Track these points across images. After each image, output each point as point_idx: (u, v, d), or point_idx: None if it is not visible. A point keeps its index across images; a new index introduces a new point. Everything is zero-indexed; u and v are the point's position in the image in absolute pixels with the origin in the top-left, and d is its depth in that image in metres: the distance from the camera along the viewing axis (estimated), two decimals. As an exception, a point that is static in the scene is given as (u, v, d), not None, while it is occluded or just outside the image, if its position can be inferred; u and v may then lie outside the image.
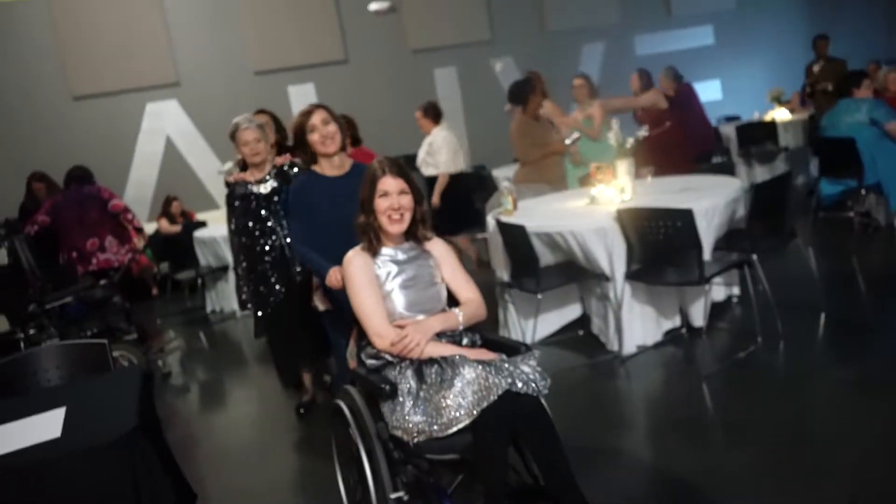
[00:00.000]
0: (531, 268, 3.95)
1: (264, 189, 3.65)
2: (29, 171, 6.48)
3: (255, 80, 8.93)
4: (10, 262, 4.82)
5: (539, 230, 4.10)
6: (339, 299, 2.85)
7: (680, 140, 6.18)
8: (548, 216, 4.38)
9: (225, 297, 6.72)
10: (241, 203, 3.67)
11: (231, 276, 6.46)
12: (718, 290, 4.44)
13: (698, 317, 4.06)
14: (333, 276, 2.82)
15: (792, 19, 11.76)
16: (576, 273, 4.12)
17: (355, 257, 2.46)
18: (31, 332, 4.73)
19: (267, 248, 3.66)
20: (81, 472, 1.86)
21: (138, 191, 8.67)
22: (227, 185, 3.98)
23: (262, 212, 3.65)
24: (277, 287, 3.68)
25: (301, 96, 9.05)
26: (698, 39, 11.28)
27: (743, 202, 4.31)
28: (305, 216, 3.04)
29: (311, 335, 3.68)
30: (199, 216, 8.33)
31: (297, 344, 3.79)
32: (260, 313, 3.81)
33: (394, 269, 2.44)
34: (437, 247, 2.58)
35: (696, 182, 4.79)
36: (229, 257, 6.38)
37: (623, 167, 4.44)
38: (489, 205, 5.61)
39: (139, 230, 5.65)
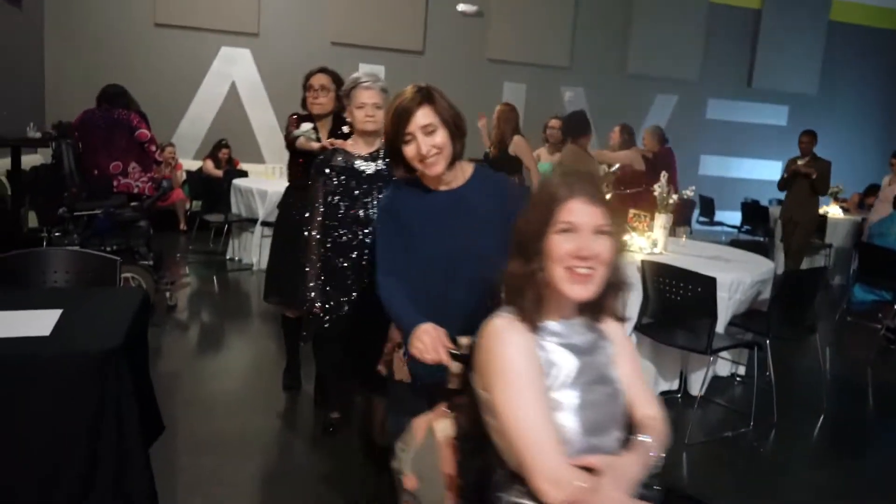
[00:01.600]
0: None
1: (369, 168, 2.88)
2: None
3: (330, 50, 9.04)
4: (53, 164, 4.94)
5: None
6: (423, 374, 1.95)
7: (650, 204, 5.95)
8: (574, 250, 4.36)
9: (246, 249, 6.81)
10: (336, 177, 2.85)
11: (258, 229, 6.55)
12: (724, 365, 4.39)
13: (697, 386, 4.01)
14: (429, 342, 1.75)
15: (867, 119, 11.59)
16: (587, 312, 4.09)
17: (512, 333, 1.48)
18: (56, 234, 4.86)
19: (355, 242, 2.84)
20: (57, 374, 1.91)
21: (192, 126, 8.82)
22: (296, 149, 3.49)
23: (363, 196, 2.85)
24: (353, 293, 2.83)
25: (370, 76, 9.13)
26: (771, 117, 11.16)
27: (770, 285, 4.26)
28: (392, 238, 2.06)
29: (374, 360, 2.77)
30: (243, 166, 8.46)
31: (356, 366, 2.90)
32: (325, 316, 2.88)
33: (568, 360, 1.50)
34: (614, 330, 1.62)
35: (730, 253, 4.74)
36: (260, 211, 6.48)
37: (661, 221, 4.41)
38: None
39: (158, 163, 5.68)
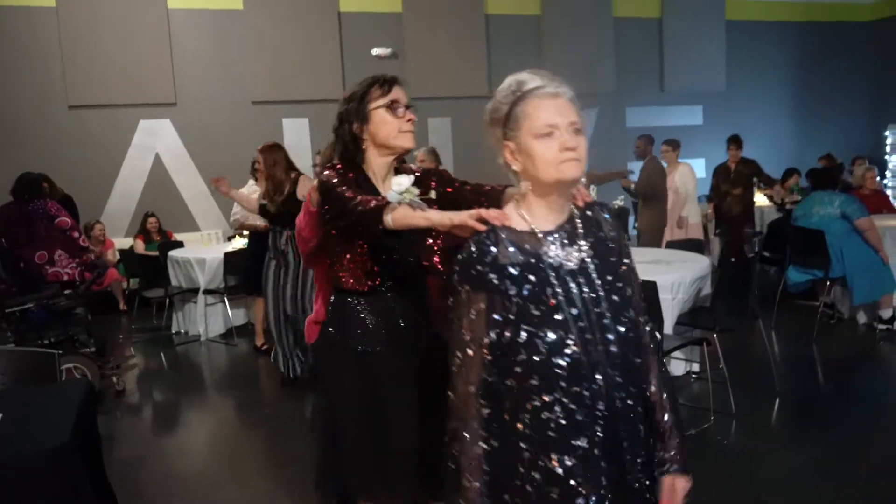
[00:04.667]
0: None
1: (570, 258, 1.45)
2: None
3: (252, 109, 9.02)
4: (-23, 262, 4.79)
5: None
6: None
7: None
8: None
9: (192, 320, 6.67)
10: (516, 288, 1.40)
11: (201, 299, 6.43)
12: (678, 365, 4.49)
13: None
14: None
15: (779, 106, 12.14)
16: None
17: None
18: (-12, 334, 4.70)
19: (600, 407, 1.38)
20: (7, 482, 1.84)
21: (120, 203, 8.65)
22: (369, 232, 1.85)
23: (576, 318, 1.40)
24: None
25: (295, 130, 9.15)
26: (687, 118, 11.58)
27: (709, 281, 4.40)
28: None
29: None
30: (177, 236, 8.32)
31: None
32: None
33: None
34: None
35: (668, 255, 4.88)
36: (201, 280, 6.38)
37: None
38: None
39: (84, 249, 5.55)
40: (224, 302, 6.43)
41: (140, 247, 7.87)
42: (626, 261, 1.53)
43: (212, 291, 6.42)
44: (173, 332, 6.84)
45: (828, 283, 5.52)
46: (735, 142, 7.67)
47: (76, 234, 5.39)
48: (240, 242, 6.57)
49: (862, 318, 5.67)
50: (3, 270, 4.69)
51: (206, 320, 6.46)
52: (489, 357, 1.40)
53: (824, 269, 5.37)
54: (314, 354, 2.36)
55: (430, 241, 2.00)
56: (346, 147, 2.07)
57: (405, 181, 1.93)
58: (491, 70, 10.33)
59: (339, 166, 2.04)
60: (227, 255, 6.19)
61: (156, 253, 7.30)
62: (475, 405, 1.40)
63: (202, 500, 3.39)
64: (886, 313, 5.46)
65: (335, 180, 1.96)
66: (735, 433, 3.80)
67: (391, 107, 2.03)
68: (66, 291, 4.87)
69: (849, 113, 12.40)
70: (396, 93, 2.06)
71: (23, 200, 5.29)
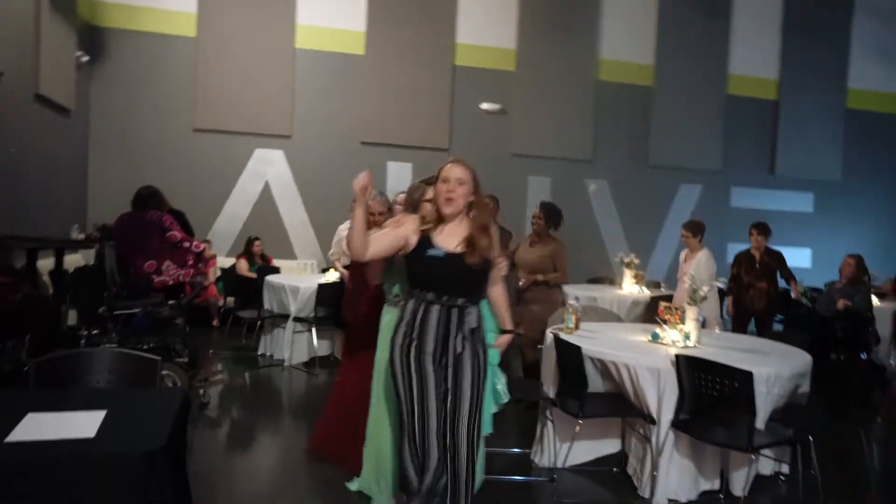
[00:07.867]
0: (578, 390, 3.90)
1: None
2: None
3: (359, 150, 9.37)
4: (95, 265, 5.10)
5: (595, 355, 4.07)
6: None
7: None
8: (607, 343, 4.34)
9: (278, 345, 6.86)
10: None
11: (290, 325, 6.61)
12: (766, 463, 4.24)
13: (739, 485, 3.88)
14: None
15: (891, 203, 11.56)
16: (622, 407, 4.04)
17: None
18: (94, 332, 4.97)
19: None
20: (102, 476, 1.94)
21: (227, 224, 9.08)
22: None
23: None
24: None
25: (398, 173, 9.41)
26: (797, 205, 11.20)
27: (808, 378, 4.17)
28: None
29: None
30: (275, 262, 8.64)
31: None
32: None
33: None
34: None
35: (766, 346, 4.67)
36: (293, 307, 6.57)
37: (691, 314, 4.39)
38: (552, 319, 5.60)
39: (199, 254, 5.68)
40: (311, 331, 6.59)
41: (244, 267, 8.16)
42: None
43: (301, 319, 6.60)
44: (259, 353, 7.04)
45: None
46: (760, 229, 6.95)
47: (187, 245, 5.59)
48: (334, 275, 6.75)
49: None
50: (118, 275, 4.98)
51: (292, 347, 6.62)
52: None
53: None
54: None
55: None
56: None
57: None
58: (596, 136, 10.35)
59: None
60: (320, 286, 6.37)
61: (255, 275, 7.58)
62: None
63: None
64: None
65: None
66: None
67: None
68: (170, 302, 5.11)
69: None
70: None
71: (142, 210, 5.62)
